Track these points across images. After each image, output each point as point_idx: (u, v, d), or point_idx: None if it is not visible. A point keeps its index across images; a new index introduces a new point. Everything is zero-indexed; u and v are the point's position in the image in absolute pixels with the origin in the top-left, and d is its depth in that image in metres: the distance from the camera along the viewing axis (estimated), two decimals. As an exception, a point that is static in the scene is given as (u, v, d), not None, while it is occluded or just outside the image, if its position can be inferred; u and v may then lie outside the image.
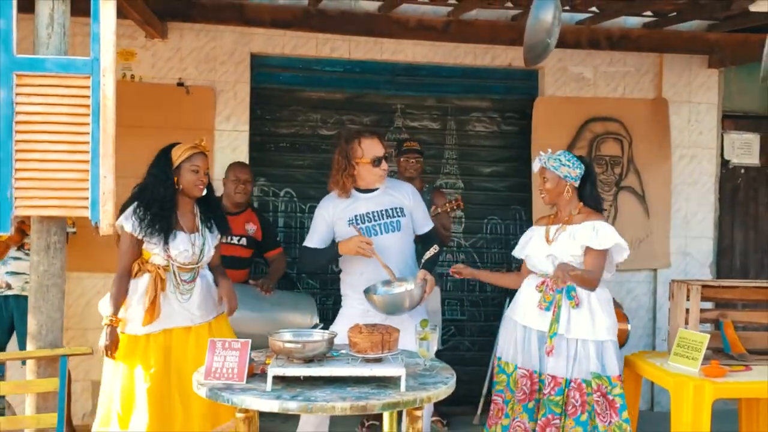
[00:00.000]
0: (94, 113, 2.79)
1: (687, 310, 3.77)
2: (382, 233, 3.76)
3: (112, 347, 3.35)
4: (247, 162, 5.32)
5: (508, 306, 4.09)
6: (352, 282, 3.80)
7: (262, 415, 4.84)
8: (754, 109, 6.25)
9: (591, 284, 3.64)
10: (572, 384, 3.55)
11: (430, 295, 5.00)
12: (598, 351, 3.57)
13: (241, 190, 4.77)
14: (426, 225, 3.97)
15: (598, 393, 3.54)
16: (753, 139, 6.26)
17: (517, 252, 3.94)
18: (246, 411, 2.81)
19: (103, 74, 2.78)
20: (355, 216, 3.78)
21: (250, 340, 2.97)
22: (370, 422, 5.17)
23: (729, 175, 6.23)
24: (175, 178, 3.56)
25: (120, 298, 3.46)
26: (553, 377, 3.59)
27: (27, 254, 4.44)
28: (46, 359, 2.86)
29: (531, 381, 3.67)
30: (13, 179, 2.75)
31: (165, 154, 3.60)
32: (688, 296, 3.77)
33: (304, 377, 2.89)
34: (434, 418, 5.25)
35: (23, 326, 4.33)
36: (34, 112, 2.78)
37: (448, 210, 4.89)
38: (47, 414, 2.77)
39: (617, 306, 4.49)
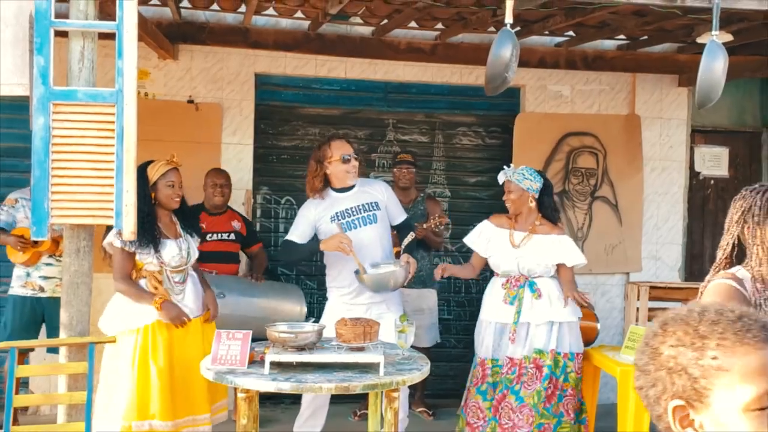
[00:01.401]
0: (119, 136, 3.22)
1: (638, 309, 4.24)
2: (360, 226, 4.21)
3: (181, 315, 3.85)
4: (251, 171, 5.82)
5: None
6: (336, 277, 4.28)
7: (264, 405, 5.30)
8: (722, 124, 6.70)
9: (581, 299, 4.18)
10: (562, 354, 4.07)
11: (427, 295, 5.50)
12: (565, 329, 4.10)
13: (219, 193, 5.23)
14: (400, 216, 4.44)
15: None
16: (722, 152, 6.71)
17: (474, 245, 4.41)
18: (247, 391, 3.26)
19: (126, 103, 3.23)
20: (336, 213, 4.22)
21: (251, 332, 3.44)
22: (362, 411, 5.62)
23: (699, 186, 6.68)
24: (153, 194, 3.98)
25: (142, 290, 3.89)
26: (510, 359, 4.09)
27: (58, 260, 4.87)
28: (76, 346, 3.31)
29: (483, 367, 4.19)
30: (50, 192, 3.18)
31: (141, 173, 3.88)
32: (638, 296, 4.24)
33: (297, 363, 3.35)
34: (421, 409, 5.71)
35: (53, 326, 4.79)
36: (68, 135, 3.20)
37: (432, 227, 5.20)
38: (78, 392, 3.23)
39: (588, 306, 4.96)
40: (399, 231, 4.43)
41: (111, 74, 3.31)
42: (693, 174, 6.59)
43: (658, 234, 6.35)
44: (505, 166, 4.28)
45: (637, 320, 4.22)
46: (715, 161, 6.69)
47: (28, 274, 4.90)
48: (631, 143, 6.26)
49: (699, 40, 4.32)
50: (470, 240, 4.51)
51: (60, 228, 4.40)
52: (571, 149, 6.19)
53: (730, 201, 2.53)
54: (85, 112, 3.24)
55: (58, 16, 3.22)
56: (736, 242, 2.44)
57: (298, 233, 4.29)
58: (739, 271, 2.40)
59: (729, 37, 4.34)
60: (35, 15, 3.16)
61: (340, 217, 4.21)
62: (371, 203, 4.28)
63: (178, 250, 3.98)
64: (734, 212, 2.46)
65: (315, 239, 4.25)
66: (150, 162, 4.00)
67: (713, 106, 6.54)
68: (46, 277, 4.90)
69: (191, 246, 4.09)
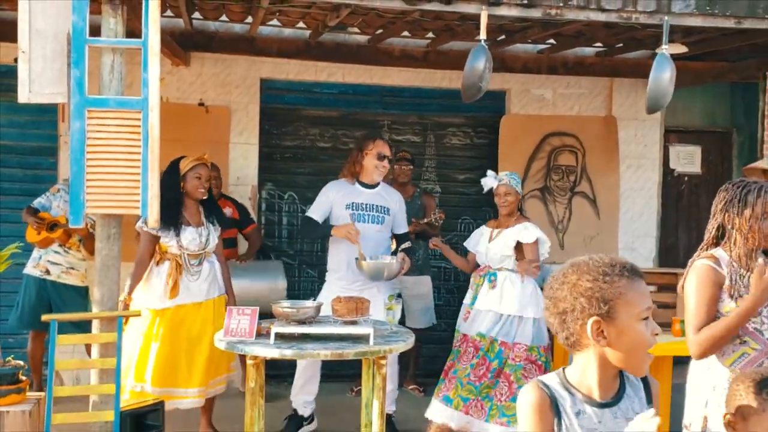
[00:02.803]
0: (144, 138, 3.71)
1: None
2: (368, 222, 4.74)
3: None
4: (256, 168, 6.29)
5: None
6: (335, 265, 4.80)
7: (269, 383, 5.81)
8: (695, 124, 7.19)
9: (536, 272, 4.61)
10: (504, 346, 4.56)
11: (422, 282, 6.01)
12: (505, 322, 4.57)
13: (213, 186, 5.58)
14: (403, 227, 5.01)
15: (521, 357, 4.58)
16: (695, 150, 7.21)
17: (468, 245, 4.94)
18: (255, 359, 3.76)
19: (150, 110, 3.73)
20: (352, 203, 4.76)
21: (257, 308, 3.95)
22: (358, 388, 6.10)
23: (674, 182, 7.17)
24: (182, 184, 4.49)
25: (135, 283, 4.38)
26: (464, 335, 4.62)
27: (66, 251, 5.40)
28: (107, 319, 3.81)
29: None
30: (85, 186, 3.68)
31: (174, 165, 4.48)
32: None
33: (298, 334, 3.85)
34: (412, 386, 6.22)
35: (60, 310, 5.25)
36: (100, 137, 3.68)
37: (433, 221, 5.73)
38: (109, 358, 3.73)
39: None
40: (398, 239, 4.98)
41: (128, 80, 3.84)
42: (668, 171, 7.08)
43: (634, 227, 6.83)
44: (492, 173, 4.76)
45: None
46: (688, 159, 7.18)
47: (40, 257, 5.40)
48: (608, 142, 6.74)
49: (657, 51, 4.79)
50: (467, 242, 5.02)
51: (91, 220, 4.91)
52: (553, 148, 6.67)
53: (703, 196, 3.01)
54: (115, 117, 3.73)
55: (89, 31, 3.71)
56: (718, 226, 2.90)
57: (317, 210, 4.82)
58: (717, 251, 2.86)
59: (683, 49, 4.82)
60: (72, 34, 3.66)
61: (354, 208, 4.73)
62: (384, 207, 4.84)
63: (197, 236, 4.47)
64: (719, 202, 2.94)
65: (328, 224, 4.77)
66: (182, 157, 4.50)
67: (686, 107, 7.12)
68: (53, 263, 5.39)
69: (211, 234, 4.57)
